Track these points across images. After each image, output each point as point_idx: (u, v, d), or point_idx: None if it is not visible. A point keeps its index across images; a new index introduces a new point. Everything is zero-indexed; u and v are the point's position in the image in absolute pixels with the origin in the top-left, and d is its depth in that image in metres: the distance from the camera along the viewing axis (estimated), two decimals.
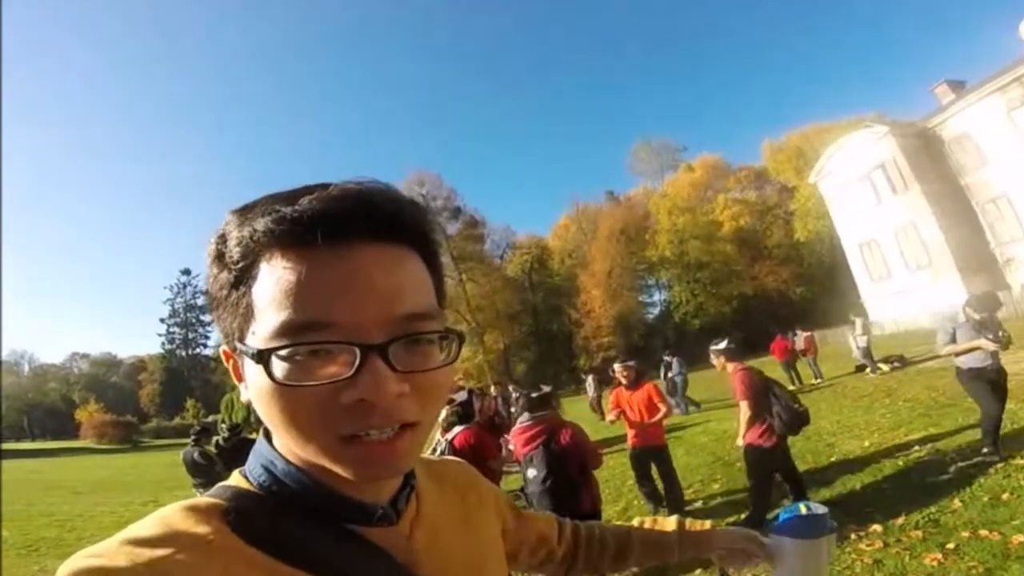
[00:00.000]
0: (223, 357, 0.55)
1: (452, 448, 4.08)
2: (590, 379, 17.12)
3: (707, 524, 0.94)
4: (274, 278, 0.47)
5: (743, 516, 4.76)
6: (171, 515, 0.48)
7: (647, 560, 0.95)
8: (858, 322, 14.12)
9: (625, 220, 49.29)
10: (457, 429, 4.20)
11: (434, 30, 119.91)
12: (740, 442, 4.74)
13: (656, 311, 53.51)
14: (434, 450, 4.35)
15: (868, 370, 13.34)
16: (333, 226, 0.46)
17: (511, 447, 4.09)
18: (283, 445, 0.54)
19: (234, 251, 0.49)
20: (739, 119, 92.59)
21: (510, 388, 13.36)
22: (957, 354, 5.07)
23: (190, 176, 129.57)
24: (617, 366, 5.72)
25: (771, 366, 15.23)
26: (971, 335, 4.92)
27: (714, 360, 5.04)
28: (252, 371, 0.49)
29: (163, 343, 69.55)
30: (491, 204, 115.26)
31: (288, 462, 0.54)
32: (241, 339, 0.50)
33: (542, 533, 0.91)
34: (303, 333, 0.46)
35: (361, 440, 0.47)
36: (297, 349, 0.46)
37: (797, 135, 45.82)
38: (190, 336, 68.92)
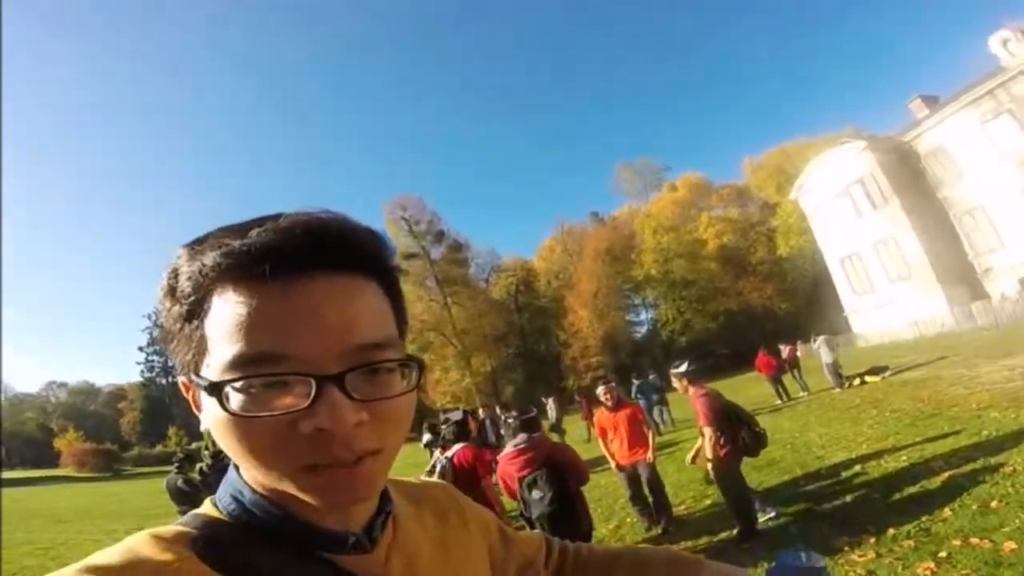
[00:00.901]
0: (182, 388, 0.54)
1: (452, 466, 4.05)
2: (550, 402, 16.84)
3: (699, 558, 0.90)
4: (226, 312, 0.47)
5: (735, 531, 4.74)
6: (136, 543, 0.48)
7: None
8: (820, 340, 14.08)
9: (610, 240, 49.62)
10: (456, 447, 4.17)
11: (422, 56, 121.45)
12: (708, 464, 4.77)
13: (643, 329, 53.97)
14: (433, 467, 4.29)
15: (850, 383, 13.27)
16: (282, 258, 0.46)
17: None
18: (248, 475, 0.53)
19: (185, 285, 0.49)
20: (720, 137, 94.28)
21: (497, 411, 13.33)
22: None
23: (171, 210, 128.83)
24: (600, 388, 5.80)
25: (758, 381, 15.35)
26: None
27: (676, 383, 5.05)
28: (208, 403, 0.48)
29: (142, 371, 68.20)
30: (475, 227, 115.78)
31: (255, 491, 0.53)
32: (196, 371, 0.49)
33: (529, 556, 0.89)
34: (256, 365, 0.46)
35: (323, 469, 0.47)
36: (251, 381, 0.46)
37: (777, 152, 46.71)
38: (170, 364, 66.65)
